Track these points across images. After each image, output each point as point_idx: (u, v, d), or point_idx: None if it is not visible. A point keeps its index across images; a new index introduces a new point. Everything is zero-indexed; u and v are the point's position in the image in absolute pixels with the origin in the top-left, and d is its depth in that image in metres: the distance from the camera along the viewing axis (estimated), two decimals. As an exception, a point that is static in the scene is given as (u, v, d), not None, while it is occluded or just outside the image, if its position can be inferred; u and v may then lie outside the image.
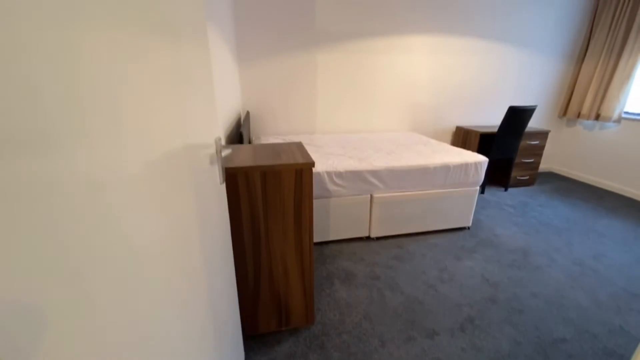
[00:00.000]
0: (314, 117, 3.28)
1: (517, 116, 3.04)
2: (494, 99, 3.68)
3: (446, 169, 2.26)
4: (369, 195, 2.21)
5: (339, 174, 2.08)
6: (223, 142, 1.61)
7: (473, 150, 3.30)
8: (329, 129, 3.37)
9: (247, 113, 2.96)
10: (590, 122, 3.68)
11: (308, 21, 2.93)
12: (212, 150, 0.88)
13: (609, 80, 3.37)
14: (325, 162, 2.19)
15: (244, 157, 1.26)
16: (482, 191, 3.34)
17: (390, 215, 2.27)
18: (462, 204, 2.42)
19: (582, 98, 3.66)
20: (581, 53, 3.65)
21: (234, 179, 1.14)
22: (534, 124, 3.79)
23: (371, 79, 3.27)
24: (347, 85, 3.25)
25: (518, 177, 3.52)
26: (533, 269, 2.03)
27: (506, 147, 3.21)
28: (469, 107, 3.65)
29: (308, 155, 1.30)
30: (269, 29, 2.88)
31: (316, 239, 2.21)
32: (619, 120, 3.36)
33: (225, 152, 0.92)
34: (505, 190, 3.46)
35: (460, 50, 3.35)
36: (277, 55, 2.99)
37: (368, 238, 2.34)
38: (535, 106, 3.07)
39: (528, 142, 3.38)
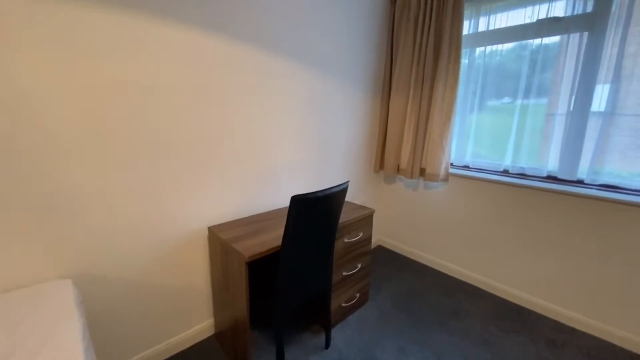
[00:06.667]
0: None
1: (315, 210, 1.28)
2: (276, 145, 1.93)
3: None
4: None
5: None
6: None
7: (242, 302, 1.32)
8: None
9: None
10: (414, 181, 2.56)
11: None
12: None
13: (425, 125, 2.28)
14: None
15: None
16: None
17: None
18: None
19: (397, 147, 2.49)
20: (385, 88, 2.51)
21: None
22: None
23: None
24: None
25: (343, 305, 1.84)
26: None
27: (306, 282, 1.40)
28: (222, 182, 1.70)
29: None
30: None
31: None
32: (447, 178, 2.30)
33: None
34: (327, 347, 1.66)
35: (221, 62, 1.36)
36: None
37: None
38: (347, 183, 1.42)
39: (346, 240, 1.75)
